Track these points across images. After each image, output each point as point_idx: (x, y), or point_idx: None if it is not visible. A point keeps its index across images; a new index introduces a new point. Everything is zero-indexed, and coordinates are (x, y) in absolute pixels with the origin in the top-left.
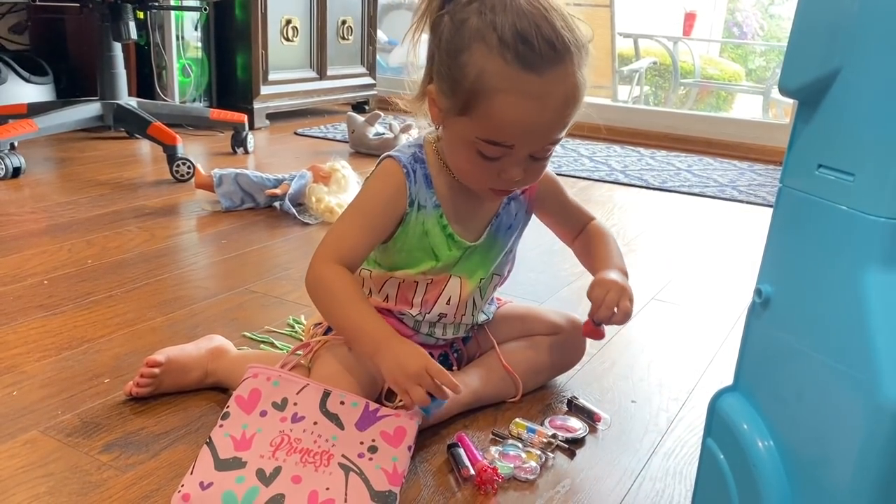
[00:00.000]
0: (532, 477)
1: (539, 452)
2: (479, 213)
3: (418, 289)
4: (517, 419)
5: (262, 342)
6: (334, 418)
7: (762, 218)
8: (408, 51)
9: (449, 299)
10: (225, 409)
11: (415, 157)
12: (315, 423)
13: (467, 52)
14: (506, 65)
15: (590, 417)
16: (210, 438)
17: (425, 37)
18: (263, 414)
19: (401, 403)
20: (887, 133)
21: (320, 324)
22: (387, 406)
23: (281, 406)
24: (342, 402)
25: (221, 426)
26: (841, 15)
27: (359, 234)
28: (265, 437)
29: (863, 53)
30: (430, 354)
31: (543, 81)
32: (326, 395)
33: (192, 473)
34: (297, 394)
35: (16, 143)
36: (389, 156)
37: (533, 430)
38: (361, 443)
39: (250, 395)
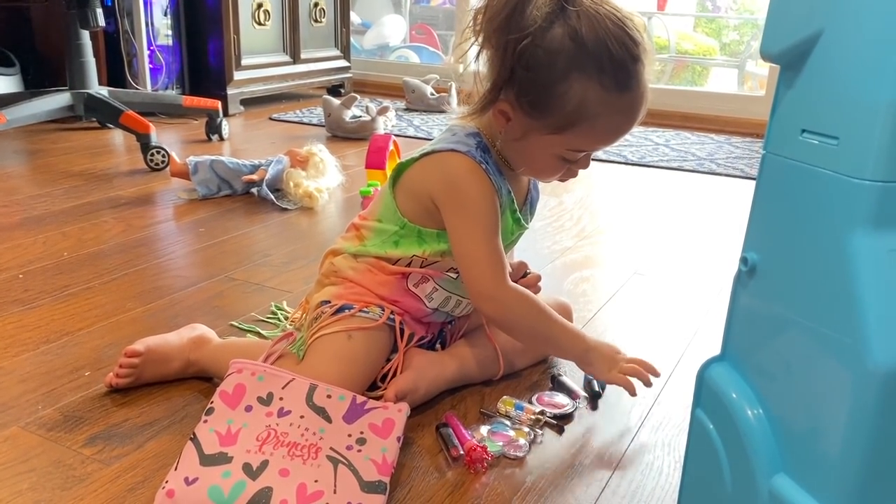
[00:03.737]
0: (521, 454)
1: (528, 429)
2: (521, 193)
3: None
4: (505, 397)
5: (248, 331)
6: (321, 412)
7: (741, 190)
8: (455, 61)
9: None
10: (209, 405)
11: (480, 147)
12: (302, 417)
13: (565, 82)
14: (605, 91)
15: (569, 395)
16: (194, 434)
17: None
18: (249, 409)
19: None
20: (870, 95)
21: (328, 302)
22: (380, 386)
23: (266, 401)
24: (329, 396)
25: (206, 421)
26: None
27: (500, 244)
28: (251, 431)
29: (844, 15)
30: (432, 333)
31: (633, 94)
32: (313, 388)
33: (176, 469)
34: (283, 388)
35: None
36: (458, 152)
37: (521, 408)
38: (349, 435)
39: (235, 390)
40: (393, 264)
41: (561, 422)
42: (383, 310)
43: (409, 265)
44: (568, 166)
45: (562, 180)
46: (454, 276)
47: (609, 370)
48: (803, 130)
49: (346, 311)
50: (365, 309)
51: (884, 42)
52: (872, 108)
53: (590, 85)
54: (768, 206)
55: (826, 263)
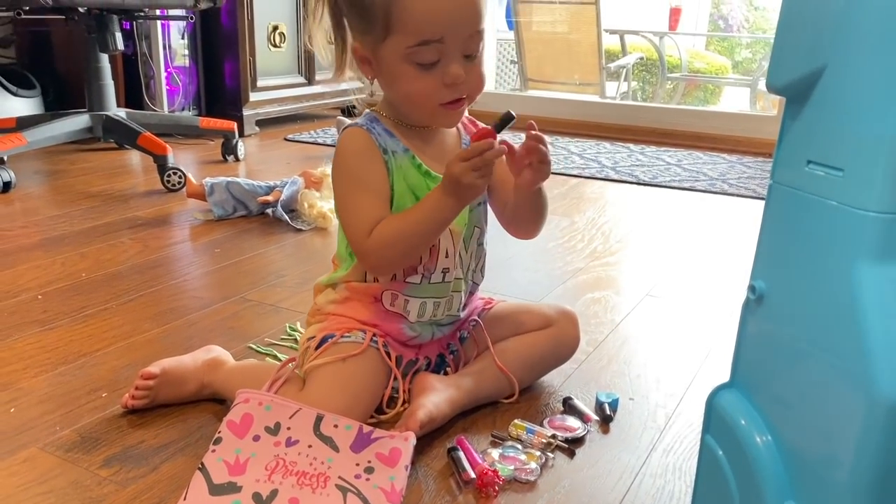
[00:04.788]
0: (533, 478)
1: (539, 453)
2: (443, 156)
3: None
4: (516, 420)
5: (267, 354)
6: (329, 441)
7: (753, 210)
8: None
9: (447, 252)
10: (217, 435)
11: (368, 118)
12: (310, 447)
13: None
14: None
15: (580, 418)
16: (202, 464)
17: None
18: (256, 439)
19: (400, 410)
20: (874, 127)
21: (313, 337)
22: (385, 412)
23: (274, 430)
24: (336, 426)
25: (214, 451)
26: (826, 11)
27: (371, 202)
28: (260, 461)
29: (848, 49)
30: (427, 358)
31: None
32: (320, 418)
33: (185, 499)
34: (290, 418)
35: (5, 158)
36: (344, 127)
37: (532, 431)
38: (357, 464)
39: (242, 419)
40: (363, 282)
41: (572, 445)
42: (365, 333)
43: (375, 280)
44: (437, 77)
45: (450, 109)
46: (416, 280)
47: (467, 182)
48: (809, 161)
49: (329, 339)
50: (346, 334)
51: (887, 76)
52: (877, 140)
53: None
54: (775, 236)
55: (832, 293)
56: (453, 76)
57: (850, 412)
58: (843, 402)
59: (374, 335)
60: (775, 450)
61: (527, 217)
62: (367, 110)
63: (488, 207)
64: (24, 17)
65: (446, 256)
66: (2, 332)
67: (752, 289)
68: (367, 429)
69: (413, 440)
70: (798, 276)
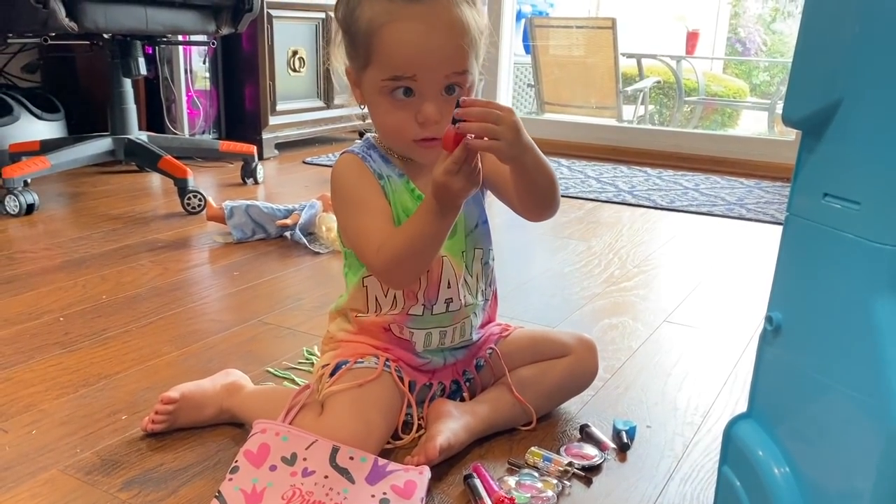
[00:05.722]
0: None
1: (556, 481)
2: None
3: (420, 280)
4: (533, 448)
5: (284, 378)
6: (344, 472)
7: (771, 235)
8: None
9: (448, 282)
10: (234, 464)
11: (366, 144)
12: (326, 477)
13: (359, 8)
14: (390, 2)
15: (597, 446)
16: (219, 492)
17: None
18: (273, 468)
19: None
20: (891, 161)
21: (327, 364)
22: (401, 437)
23: (291, 461)
24: (351, 458)
25: (231, 480)
26: (840, 46)
27: (373, 221)
28: (276, 490)
29: (862, 85)
30: (441, 383)
31: (425, 7)
32: (335, 450)
33: None
34: (307, 449)
35: (29, 180)
36: (341, 154)
37: (549, 459)
38: (373, 496)
39: (259, 449)
40: (367, 314)
41: (589, 473)
42: (378, 358)
43: (377, 310)
44: (411, 111)
45: (426, 146)
46: (418, 312)
47: (454, 189)
48: (825, 194)
49: (343, 366)
50: (360, 360)
51: None
52: (892, 173)
53: (376, 0)
54: (792, 267)
55: (850, 325)
56: (424, 116)
57: (869, 444)
58: (862, 434)
59: (388, 360)
60: (793, 481)
61: (529, 195)
62: (367, 135)
63: (489, 227)
64: (50, 42)
65: (448, 287)
66: (24, 354)
67: (769, 320)
68: (382, 461)
69: (428, 474)
70: (815, 308)
